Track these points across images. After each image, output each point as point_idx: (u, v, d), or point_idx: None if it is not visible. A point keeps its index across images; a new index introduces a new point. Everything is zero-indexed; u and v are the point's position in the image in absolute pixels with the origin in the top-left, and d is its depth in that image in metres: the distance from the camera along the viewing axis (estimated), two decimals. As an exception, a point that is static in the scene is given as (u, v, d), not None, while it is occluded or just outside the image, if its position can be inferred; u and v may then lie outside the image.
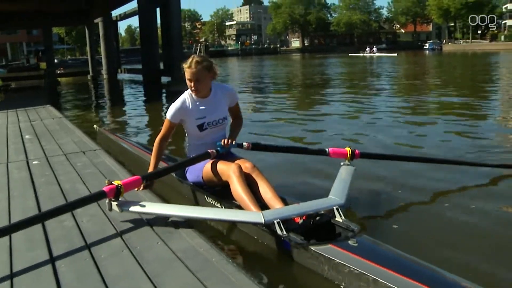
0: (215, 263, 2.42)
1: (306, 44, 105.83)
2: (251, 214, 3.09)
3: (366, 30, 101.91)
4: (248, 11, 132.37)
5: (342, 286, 2.58)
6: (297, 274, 2.84)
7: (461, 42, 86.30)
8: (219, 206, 3.53)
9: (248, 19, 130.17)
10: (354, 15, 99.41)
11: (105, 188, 3.06)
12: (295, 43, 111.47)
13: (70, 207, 3.11)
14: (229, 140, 3.64)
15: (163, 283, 2.22)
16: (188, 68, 3.59)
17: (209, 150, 3.57)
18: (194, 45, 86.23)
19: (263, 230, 3.14)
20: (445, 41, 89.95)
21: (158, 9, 18.39)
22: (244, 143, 3.69)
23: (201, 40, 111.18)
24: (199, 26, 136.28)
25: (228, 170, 3.43)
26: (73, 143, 6.00)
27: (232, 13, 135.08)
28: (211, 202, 3.62)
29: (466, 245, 3.28)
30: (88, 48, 31.60)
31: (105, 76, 27.78)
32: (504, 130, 8.05)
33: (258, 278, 2.65)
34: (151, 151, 4.11)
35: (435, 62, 36.87)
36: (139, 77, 22.26)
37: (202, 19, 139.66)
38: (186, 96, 3.75)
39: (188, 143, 3.94)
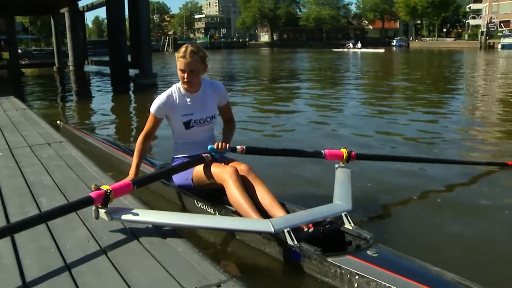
0: (181, 253, 2.44)
1: (275, 39, 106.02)
2: (258, 223, 2.86)
3: (335, 25, 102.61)
4: (217, 4, 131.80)
5: None
6: (311, 286, 2.64)
7: (427, 39, 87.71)
8: (212, 212, 3.31)
9: (217, 13, 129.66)
10: (323, 11, 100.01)
11: (92, 194, 2.72)
12: (264, 37, 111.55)
13: (48, 216, 2.70)
14: (223, 144, 3.35)
15: (130, 273, 2.23)
16: (182, 58, 3.29)
17: (203, 154, 3.31)
18: (162, 38, 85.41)
19: (268, 239, 2.93)
20: (412, 38, 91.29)
21: (126, 1, 18.14)
22: (238, 147, 3.42)
23: (169, 33, 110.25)
24: (168, 19, 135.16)
25: (223, 174, 3.20)
26: (38, 134, 5.86)
27: (201, 6, 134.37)
28: (202, 207, 3.41)
29: (468, 246, 3.24)
30: (54, 39, 30.95)
31: (71, 67, 27.23)
32: (469, 123, 8.32)
33: None
34: (119, 147, 3.89)
35: (414, 58, 37.38)
36: (107, 69, 21.95)
37: (171, 11, 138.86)
38: (174, 90, 3.49)
39: (175, 141, 3.65)
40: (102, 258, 2.42)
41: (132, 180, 3.02)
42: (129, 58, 18.33)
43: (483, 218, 3.72)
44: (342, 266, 2.52)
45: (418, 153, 5.81)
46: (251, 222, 2.90)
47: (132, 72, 17.76)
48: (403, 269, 2.45)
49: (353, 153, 3.85)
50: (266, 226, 2.74)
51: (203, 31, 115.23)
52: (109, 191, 2.75)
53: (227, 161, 3.42)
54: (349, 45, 58.95)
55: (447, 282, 2.40)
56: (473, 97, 12.66)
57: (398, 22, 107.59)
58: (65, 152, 4.88)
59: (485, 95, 13.20)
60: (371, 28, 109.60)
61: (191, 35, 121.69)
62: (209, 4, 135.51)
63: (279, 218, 2.91)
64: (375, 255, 2.56)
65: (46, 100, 13.95)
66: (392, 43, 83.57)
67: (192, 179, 3.45)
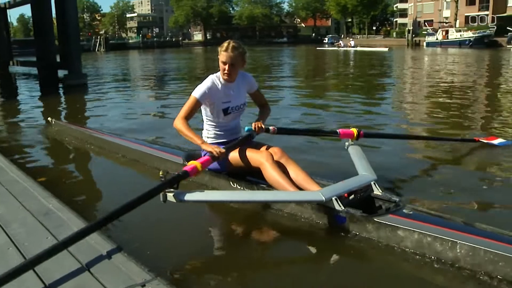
0: (106, 255, 2.42)
1: (208, 37, 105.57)
2: (310, 194, 3.31)
3: (267, 23, 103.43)
4: (149, 3, 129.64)
5: (407, 250, 2.90)
6: (356, 245, 3.06)
7: (358, 37, 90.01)
8: (246, 190, 3.71)
9: (150, 11, 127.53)
10: (256, 9, 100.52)
11: (187, 168, 3.24)
12: (198, 36, 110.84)
13: (138, 201, 2.89)
14: (260, 125, 3.78)
15: (53, 278, 2.18)
16: (224, 52, 3.69)
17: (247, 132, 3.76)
18: (93, 37, 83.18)
19: (314, 208, 3.34)
20: (344, 36, 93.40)
21: (52, -1, 17.51)
22: (270, 128, 3.87)
23: (101, 32, 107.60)
24: (99, 18, 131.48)
25: (260, 157, 3.60)
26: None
27: (133, 5, 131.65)
28: (239, 188, 3.77)
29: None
30: (-26, 38, 29.50)
31: (-6, 69, 26.06)
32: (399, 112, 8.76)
33: (313, 252, 3.14)
34: (114, 134, 5.36)
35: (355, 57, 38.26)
36: (34, 70, 21.16)
37: (101, 10, 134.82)
38: (214, 79, 3.83)
39: (206, 129, 4.00)
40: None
41: (211, 156, 3.48)
42: (58, 59, 17.77)
43: (470, 178, 4.56)
44: (387, 223, 2.99)
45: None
46: (303, 194, 3.38)
47: (61, 73, 17.22)
48: (436, 221, 2.98)
49: (361, 132, 4.33)
50: (317, 196, 3.18)
51: (135, 31, 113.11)
52: (197, 165, 3.28)
53: (259, 145, 3.86)
54: (340, 43, 53.17)
55: (473, 228, 2.92)
56: (405, 88, 13.53)
57: (330, 20, 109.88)
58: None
59: (414, 84, 14.39)
60: (304, 26, 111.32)
61: (123, 35, 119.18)
62: (141, 3, 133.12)
63: (326, 188, 3.31)
64: (411, 212, 3.08)
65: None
66: (324, 41, 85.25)
67: (226, 164, 3.81)
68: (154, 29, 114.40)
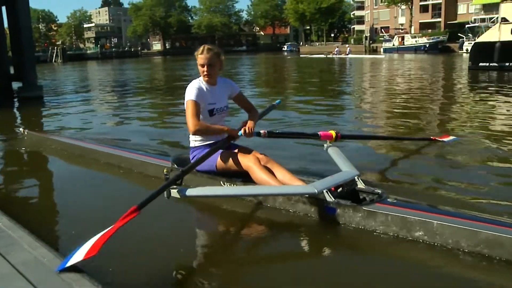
0: (46, 262, 2.35)
1: (167, 47, 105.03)
2: (304, 187, 3.55)
3: (227, 32, 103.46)
4: (107, 13, 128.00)
5: (396, 235, 3.19)
6: (347, 233, 3.33)
7: (317, 44, 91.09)
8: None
9: (108, 21, 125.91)
10: (215, 18, 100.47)
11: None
12: (157, 46, 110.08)
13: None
14: (250, 129, 3.92)
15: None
16: (201, 55, 3.97)
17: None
18: (50, 48, 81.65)
19: (304, 201, 3.60)
20: (302, 43, 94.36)
21: (4, 8, 16.97)
22: (261, 131, 4.04)
23: (57, 43, 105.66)
24: (55, 28, 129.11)
25: (248, 161, 3.86)
26: None
27: (90, 15, 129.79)
28: (228, 185, 3.96)
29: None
30: None
31: None
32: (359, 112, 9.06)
33: (307, 242, 3.35)
34: (89, 140, 5.59)
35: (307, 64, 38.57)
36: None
37: (58, 20, 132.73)
38: (198, 82, 4.06)
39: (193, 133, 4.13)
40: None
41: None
42: (12, 70, 17.31)
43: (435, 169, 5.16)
44: (375, 210, 3.28)
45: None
46: (298, 187, 3.62)
47: (16, 85, 16.77)
48: (420, 207, 3.31)
49: (339, 134, 4.63)
50: (310, 188, 3.43)
51: (94, 41, 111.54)
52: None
53: (247, 150, 4.10)
54: (334, 52, 50.51)
55: (451, 211, 3.26)
56: (365, 92, 13.90)
57: (289, 28, 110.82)
58: None
59: (372, 89, 14.94)
60: (263, 34, 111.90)
61: (81, 45, 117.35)
62: (99, 13, 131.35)
63: (317, 182, 3.56)
64: (395, 201, 3.39)
65: None
66: (283, 48, 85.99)
67: (216, 166, 4.03)
68: (112, 39, 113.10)
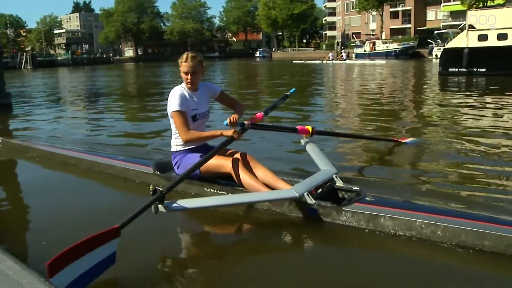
0: (25, 285, 2.31)
1: (140, 53, 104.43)
2: (285, 192, 3.66)
3: (199, 38, 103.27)
4: (78, 19, 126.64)
5: (375, 231, 3.38)
6: (329, 232, 3.51)
7: (289, 50, 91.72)
8: (225, 194, 4.01)
9: (79, 27, 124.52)
10: (187, 24, 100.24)
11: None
12: (129, 52, 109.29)
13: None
14: (235, 118, 3.92)
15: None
16: (185, 62, 4.05)
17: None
18: (19, 54, 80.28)
19: (288, 203, 3.74)
20: (275, 49, 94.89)
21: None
22: (245, 122, 4.06)
23: (27, 49, 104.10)
24: (24, 34, 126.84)
25: (230, 163, 3.96)
26: None
27: (61, 21, 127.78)
28: (212, 191, 4.10)
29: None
30: None
31: None
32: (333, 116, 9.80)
33: (291, 242, 3.50)
34: (66, 147, 5.69)
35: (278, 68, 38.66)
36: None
37: (27, 26, 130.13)
38: (180, 89, 4.14)
39: (176, 137, 4.23)
40: None
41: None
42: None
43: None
44: (354, 210, 3.47)
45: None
46: (279, 192, 3.73)
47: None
48: (395, 204, 3.53)
49: (314, 129, 4.82)
50: (291, 193, 3.58)
51: (64, 47, 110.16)
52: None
53: (227, 151, 4.18)
54: (328, 56, 48.89)
55: (427, 207, 3.53)
56: (337, 96, 14.02)
57: (261, 34, 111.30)
58: None
59: (346, 93, 15.22)
60: (235, 40, 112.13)
61: (52, 51, 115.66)
62: (69, 19, 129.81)
63: (297, 186, 3.70)
64: (372, 199, 3.58)
65: None
66: (256, 54, 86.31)
67: (199, 170, 4.02)
68: (83, 46, 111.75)
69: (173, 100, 4.04)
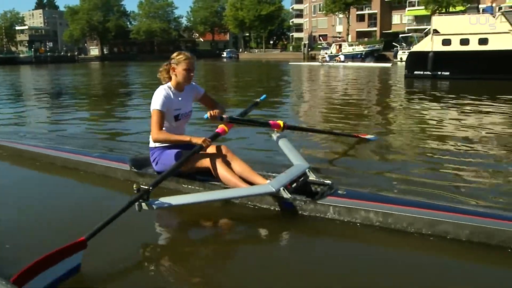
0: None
1: (105, 52, 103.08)
2: (263, 187, 3.83)
3: (166, 38, 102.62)
4: (41, 15, 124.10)
5: (347, 222, 3.59)
6: (304, 224, 3.66)
7: (256, 51, 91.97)
8: (203, 189, 4.10)
9: (42, 24, 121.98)
10: (154, 23, 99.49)
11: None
12: (94, 51, 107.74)
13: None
14: (215, 112, 4.18)
15: None
16: (188, 59, 4.17)
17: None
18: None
19: (264, 198, 3.88)
20: (242, 50, 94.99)
21: None
22: (224, 116, 4.29)
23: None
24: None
25: (209, 160, 4.06)
26: None
27: (23, 17, 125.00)
28: (190, 187, 4.19)
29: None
30: None
31: None
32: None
33: (268, 235, 3.61)
34: (45, 146, 5.62)
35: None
36: None
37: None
38: (165, 88, 4.22)
39: None
40: None
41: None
42: None
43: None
44: (328, 203, 3.66)
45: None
46: (257, 188, 3.89)
47: None
48: (365, 196, 3.75)
49: (286, 124, 5.00)
50: (268, 188, 3.74)
51: (27, 44, 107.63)
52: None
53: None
54: (324, 57, 46.97)
55: (395, 198, 3.79)
56: (303, 97, 14.38)
57: (228, 34, 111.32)
58: None
59: (311, 94, 15.47)
60: (202, 40, 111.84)
61: (13, 49, 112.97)
62: (32, 15, 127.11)
63: (273, 181, 3.85)
64: (344, 192, 3.79)
65: None
66: (223, 55, 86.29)
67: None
68: (47, 43, 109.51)
69: (157, 99, 4.12)
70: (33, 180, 5.22)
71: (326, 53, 52.27)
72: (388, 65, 40.13)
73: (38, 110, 13.23)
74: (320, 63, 44.84)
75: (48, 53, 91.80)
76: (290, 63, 50.09)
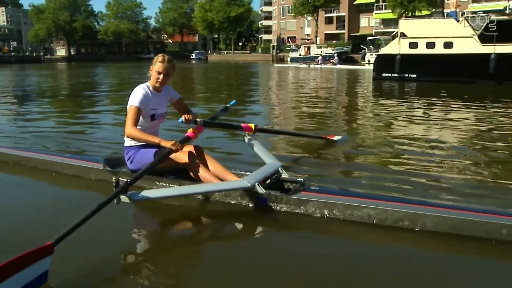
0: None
1: (72, 53, 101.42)
2: (237, 182, 3.95)
3: (134, 39, 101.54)
4: (4, 13, 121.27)
5: (320, 216, 3.74)
6: (278, 219, 3.80)
7: (225, 52, 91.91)
8: (177, 186, 4.14)
9: (6, 23, 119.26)
10: (122, 24, 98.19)
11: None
12: (61, 51, 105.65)
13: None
14: (189, 117, 4.31)
15: None
16: (161, 63, 4.22)
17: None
18: None
19: (239, 193, 3.99)
20: (210, 52, 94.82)
21: None
22: (198, 120, 4.42)
23: None
24: None
25: (185, 157, 4.15)
26: None
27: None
28: (164, 185, 4.24)
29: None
30: None
31: None
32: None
33: (244, 230, 3.75)
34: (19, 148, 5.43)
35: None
36: None
37: None
38: (144, 87, 4.28)
39: None
40: None
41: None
42: None
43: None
44: (301, 198, 3.80)
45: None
46: (233, 183, 3.99)
47: None
48: (337, 192, 3.94)
49: (257, 127, 5.11)
50: (243, 183, 3.85)
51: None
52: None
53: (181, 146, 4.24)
54: (318, 60, 45.87)
55: (365, 193, 3.95)
56: (272, 100, 14.51)
57: (197, 36, 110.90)
58: None
59: (280, 96, 15.55)
60: (171, 42, 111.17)
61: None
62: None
63: (248, 177, 3.97)
64: (317, 188, 3.94)
65: None
66: (192, 56, 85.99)
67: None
68: (11, 43, 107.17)
69: (135, 96, 4.18)
70: (1, 182, 5.11)
71: (320, 55, 50.24)
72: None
73: (3, 110, 12.92)
74: (309, 65, 43.71)
75: (12, 53, 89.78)
76: (275, 65, 50.38)
